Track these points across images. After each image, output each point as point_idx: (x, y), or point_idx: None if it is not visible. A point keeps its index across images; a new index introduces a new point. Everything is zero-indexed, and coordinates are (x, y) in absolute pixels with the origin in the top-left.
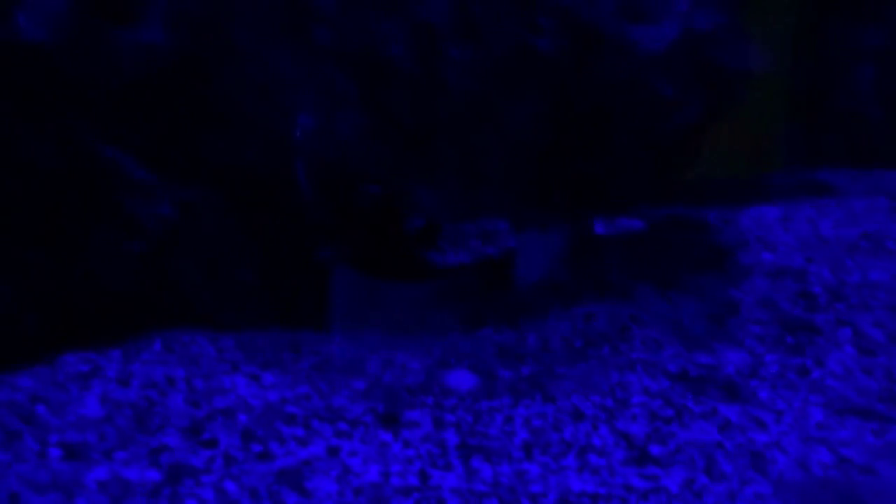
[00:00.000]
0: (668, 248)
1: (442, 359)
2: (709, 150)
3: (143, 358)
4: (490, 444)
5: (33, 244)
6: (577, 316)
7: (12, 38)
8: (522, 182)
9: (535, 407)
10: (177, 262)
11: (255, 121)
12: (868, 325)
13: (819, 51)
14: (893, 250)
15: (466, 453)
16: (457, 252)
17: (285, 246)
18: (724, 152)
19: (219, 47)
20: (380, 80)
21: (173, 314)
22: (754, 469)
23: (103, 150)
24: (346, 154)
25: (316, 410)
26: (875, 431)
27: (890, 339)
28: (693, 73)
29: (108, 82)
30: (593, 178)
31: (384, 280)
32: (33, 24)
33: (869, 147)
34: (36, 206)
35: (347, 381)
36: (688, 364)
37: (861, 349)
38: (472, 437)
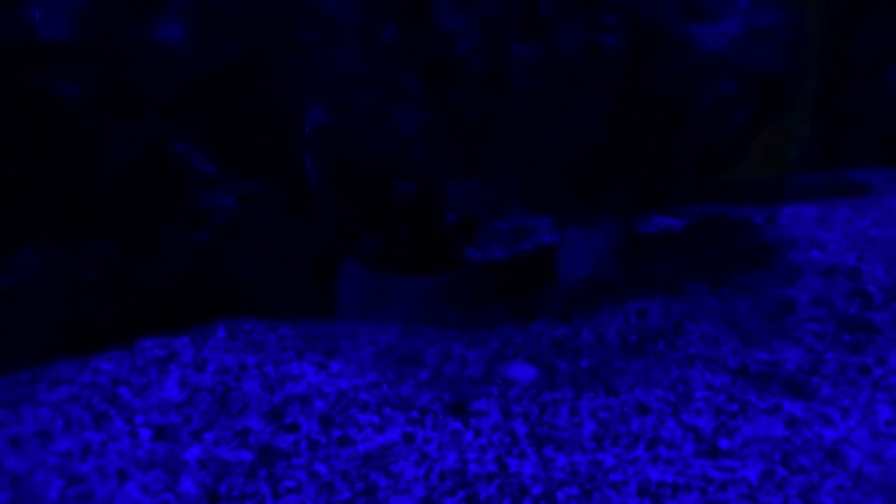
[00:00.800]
0: (713, 246)
1: (499, 351)
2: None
3: (211, 345)
4: (559, 434)
5: (109, 235)
6: (630, 312)
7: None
8: (576, 180)
9: (599, 400)
10: (237, 253)
11: (318, 119)
12: None
13: (847, 52)
14: None
15: (538, 443)
16: (492, 248)
17: (336, 240)
18: (754, 153)
19: (283, 45)
20: (444, 78)
21: (233, 303)
22: (832, 463)
23: (175, 146)
24: (394, 151)
25: (386, 398)
26: None
27: None
28: (752, 71)
29: (170, 79)
30: (645, 178)
31: (415, 274)
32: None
33: None
34: (112, 198)
35: (410, 370)
36: (747, 360)
37: None
38: (540, 427)
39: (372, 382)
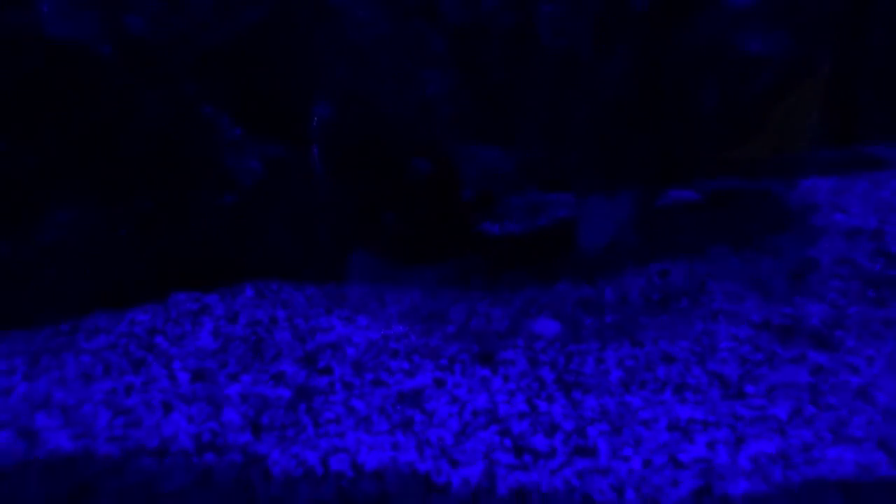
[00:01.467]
0: (734, 213)
1: (523, 309)
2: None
3: (240, 301)
4: (586, 380)
5: (142, 192)
6: (653, 273)
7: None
8: (601, 143)
9: (625, 350)
10: (264, 216)
11: (343, 82)
12: None
13: (863, 28)
14: None
15: (565, 387)
16: (513, 223)
17: (366, 204)
18: (767, 132)
19: (311, 6)
20: (472, 36)
21: (259, 264)
22: (860, 400)
23: (203, 108)
24: (417, 113)
25: (416, 348)
26: None
27: None
28: (779, 33)
29: (197, 43)
30: (669, 143)
31: (432, 258)
32: None
33: None
34: (145, 157)
35: (437, 325)
36: (771, 314)
37: None
38: (567, 374)
39: (401, 334)
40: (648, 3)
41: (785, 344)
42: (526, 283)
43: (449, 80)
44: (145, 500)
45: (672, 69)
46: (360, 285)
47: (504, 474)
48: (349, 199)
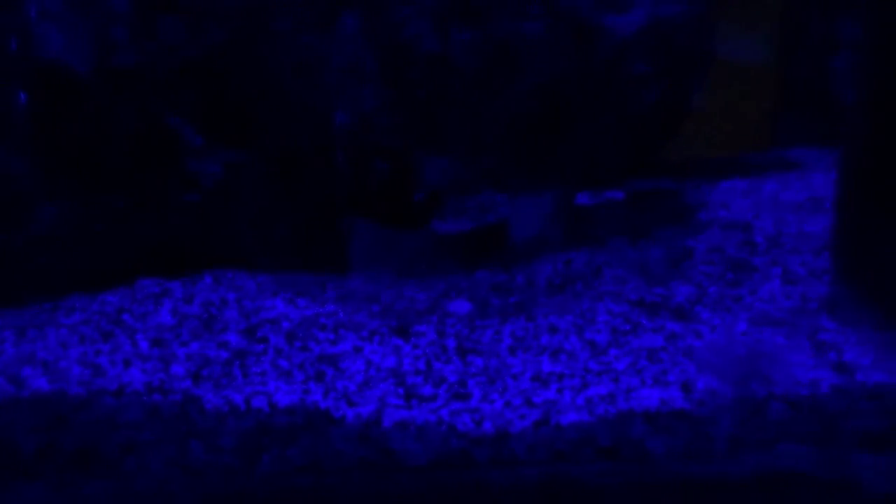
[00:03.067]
0: (642, 210)
1: (444, 292)
2: (697, 131)
3: (199, 287)
4: (481, 347)
5: (117, 192)
6: (559, 261)
7: None
8: (518, 152)
9: (520, 323)
10: (223, 213)
11: (292, 96)
12: (796, 264)
13: (802, 41)
14: (830, 209)
15: (463, 353)
16: (459, 221)
17: (314, 206)
18: (712, 134)
19: (260, 32)
20: (398, 59)
21: (219, 256)
22: (686, 357)
23: (169, 119)
24: (360, 124)
25: (342, 323)
26: (784, 333)
27: (810, 273)
28: (659, 54)
29: (166, 63)
30: (580, 150)
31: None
32: None
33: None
34: (120, 162)
35: (366, 305)
36: (646, 294)
37: (786, 281)
38: (467, 342)
39: (331, 311)
40: (542, 31)
41: (651, 317)
42: (454, 271)
43: (382, 96)
44: (107, 428)
45: (570, 88)
46: (309, 274)
47: (391, 412)
48: (304, 197)
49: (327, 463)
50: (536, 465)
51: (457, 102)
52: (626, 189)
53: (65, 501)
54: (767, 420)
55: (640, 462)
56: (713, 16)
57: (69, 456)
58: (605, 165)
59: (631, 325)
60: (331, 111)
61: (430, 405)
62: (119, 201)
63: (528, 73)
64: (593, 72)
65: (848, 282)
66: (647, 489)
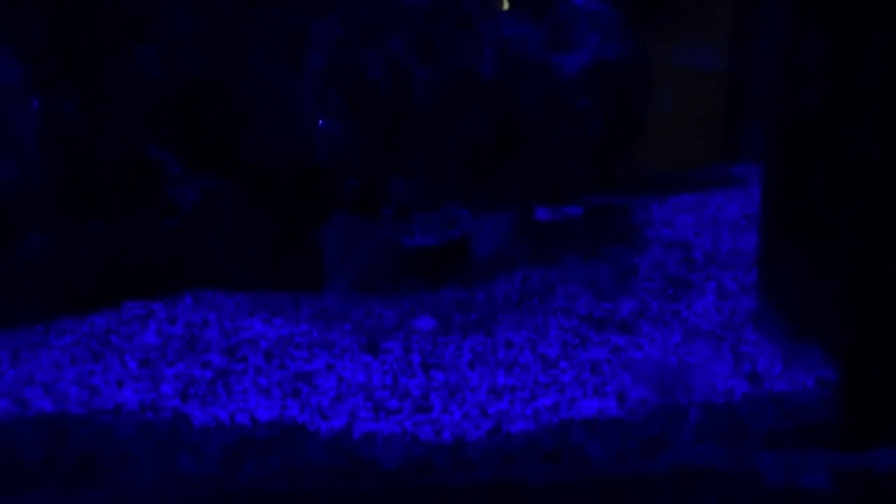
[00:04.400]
0: (595, 227)
1: (410, 309)
2: (651, 148)
3: (180, 307)
4: (444, 362)
5: (101, 219)
6: (517, 278)
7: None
8: (476, 176)
9: (479, 339)
10: (201, 237)
11: (265, 128)
12: (728, 279)
13: (754, 58)
14: None
15: (427, 368)
16: (426, 236)
17: (282, 229)
18: (669, 149)
19: (236, 68)
20: (362, 96)
21: (198, 277)
22: (625, 369)
23: (150, 149)
24: (328, 155)
25: (316, 341)
26: (711, 345)
27: (741, 288)
28: (602, 90)
29: (147, 96)
30: (535, 174)
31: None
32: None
33: None
34: (103, 190)
35: (338, 324)
36: (595, 309)
37: (719, 296)
38: (430, 358)
39: (305, 331)
40: (494, 70)
41: (598, 331)
42: (419, 287)
43: (348, 129)
44: (105, 443)
45: (521, 121)
46: (284, 293)
47: (360, 425)
48: (277, 220)
49: (303, 470)
50: (489, 468)
51: (416, 134)
52: (583, 204)
53: None
54: (687, 424)
55: (578, 463)
56: (649, 55)
57: (70, 467)
58: (561, 184)
59: (580, 338)
60: (300, 141)
61: (396, 417)
62: (101, 228)
63: (482, 109)
64: (542, 106)
65: (768, 296)
66: (582, 487)
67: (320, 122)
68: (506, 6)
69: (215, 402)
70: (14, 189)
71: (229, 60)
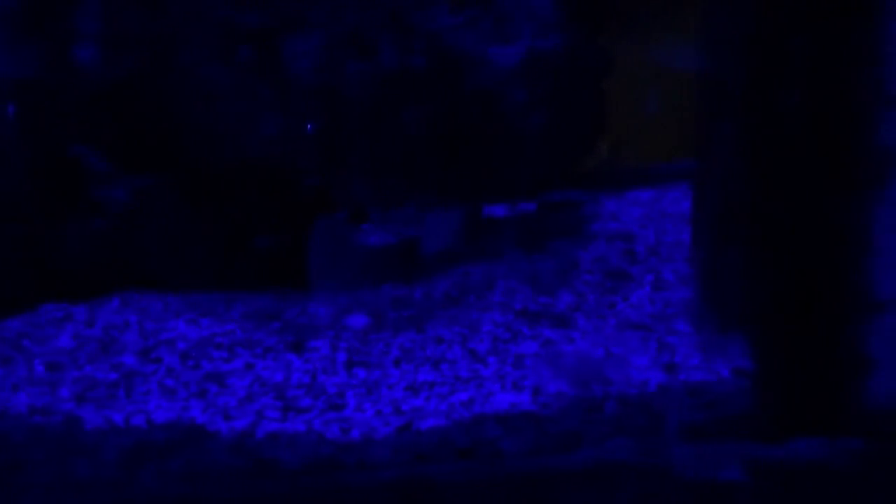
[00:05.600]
0: (543, 223)
1: (346, 307)
2: (620, 144)
3: (105, 310)
4: (370, 360)
5: (20, 222)
6: (458, 274)
7: None
8: (420, 172)
9: (410, 335)
10: (132, 238)
11: (196, 123)
12: (668, 272)
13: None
14: None
15: (350, 366)
16: (384, 234)
17: (226, 229)
18: (638, 145)
19: (164, 64)
20: (291, 90)
21: (130, 279)
22: (549, 364)
23: (73, 148)
24: (262, 149)
25: (239, 341)
26: (639, 337)
27: (679, 280)
28: (539, 82)
29: (73, 93)
30: (481, 170)
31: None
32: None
33: None
34: (21, 191)
35: (267, 323)
36: (531, 304)
37: (655, 288)
38: (356, 355)
39: (230, 330)
40: (427, 63)
41: (531, 325)
42: (359, 285)
43: (280, 124)
44: None
45: (458, 115)
46: (222, 294)
47: (265, 425)
48: (218, 221)
49: (201, 472)
50: (395, 467)
51: (352, 129)
52: (538, 201)
53: None
54: (603, 417)
55: (489, 459)
56: (597, 40)
57: None
58: (513, 180)
59: (512, 333)
60: (234, 137)
61: (305, 416)
62: (20, 230)
63: (417, 102)
64: (479, 99)
65: (700, 287)
66: (489, 484)
67: (308, 126)
68: None
69: (112, 405)
70: None
71: (160, 56)
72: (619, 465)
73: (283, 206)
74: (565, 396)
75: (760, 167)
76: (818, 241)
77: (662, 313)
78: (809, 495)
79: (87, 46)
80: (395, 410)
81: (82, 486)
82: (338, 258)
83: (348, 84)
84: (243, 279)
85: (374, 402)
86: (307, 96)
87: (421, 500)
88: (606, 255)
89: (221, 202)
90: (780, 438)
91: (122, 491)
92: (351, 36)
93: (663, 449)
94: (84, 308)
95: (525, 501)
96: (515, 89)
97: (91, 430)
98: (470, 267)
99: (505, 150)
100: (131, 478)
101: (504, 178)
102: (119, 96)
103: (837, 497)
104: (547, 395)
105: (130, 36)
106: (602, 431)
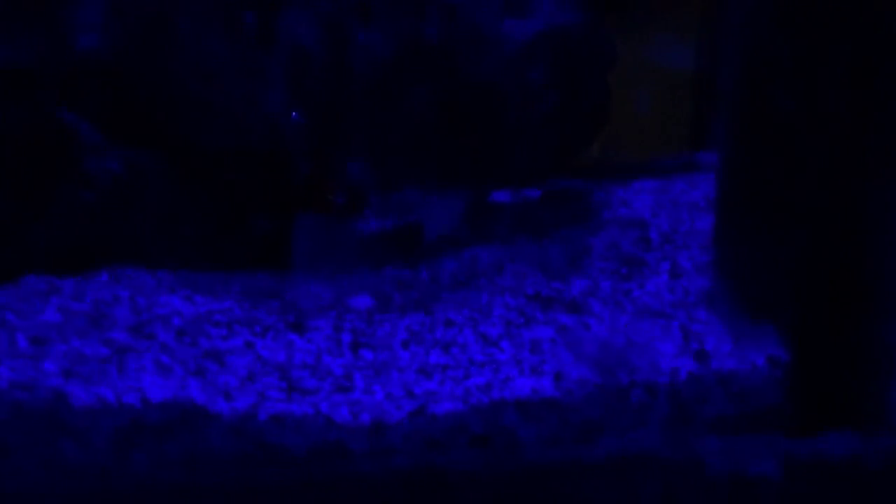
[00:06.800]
0: (551, 209)
1: (349, 289)
2: (621, 137)
3: (93, 284)
4: (375, 341)
5: (8, 192)
6: (465, 258)
7: None
8: (427, 155)
9: (417, 318)
10: (124, 212)
11: (196, 98)
12: (684, 259)
13: (722, 55)
14: None
15: (356, 347)
16: (384, 219)
17: (222, 208)
18: (639, 139)
19: (164, 35)
20: (297, 64)
21: (121, 254)
22: (568, 348)
23: (63, 115)
24: (266, 128)
25: (238, 319)
26: (660, 325)
27: (695, 268)
28: (556, 60)
29: (65, 60)
30: (488, 153)
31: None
32: None
33: None
34: (11, 161)
35: (267, 302)
36: (543, 289)
37: (673, 275)
38: (362, 336)
39: (226, 308)
40: (441, 35)
41: (545, 310)
42: (361, 268)
43: (285, 100)
44: None
45: (469, 94)
46: (216, 272)
47: (269, 406)
48: (216, 199)
49: (201, 457)
50: (410, 454)
51: (358, 106)
52: (543, 189)
53: None
54: (628, 406)
55: (509, 447)
56: (610, 23)
57: None
58: (520, 166)
59: (525, 318)
60: (236, 113)
61: (311, 398)
62: (7, 201)
63: (428, 78)
64: (493, 77)
65: (723, 276)
66: (510, 475)
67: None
68: None
69: (103, 382)
70: None
71: (157, 27)
72: (645, 457)
73: (282, 187)
74: (589, 383)
75: (793, 152)
76: (856, 230)
77: (682, 301)
78: (842, 492)
79: (82, 16)
80: (407, 393)
81: (69, 471)
82: (337, 242)
83: (355, 57)
84: (239, 259)
85: (383, 385)
86: (312, 71)
87: (435, 491)
88: (619, 242)
89: (217, 180)
90: (813, 432)
91: (113, 478)
92: (361, 4)
93: (693, 441)
94: (71, 282)
95: (543, 495)
96: (529, 67)
97: (79, 409)
98: (477, 251)
99: (513, 134)
100: (124, 463)
101: (509, 163)
102: (113, 67)
103: (871, 494)
104: (569, 381)
105: (126, 3)
106: (627, 421)
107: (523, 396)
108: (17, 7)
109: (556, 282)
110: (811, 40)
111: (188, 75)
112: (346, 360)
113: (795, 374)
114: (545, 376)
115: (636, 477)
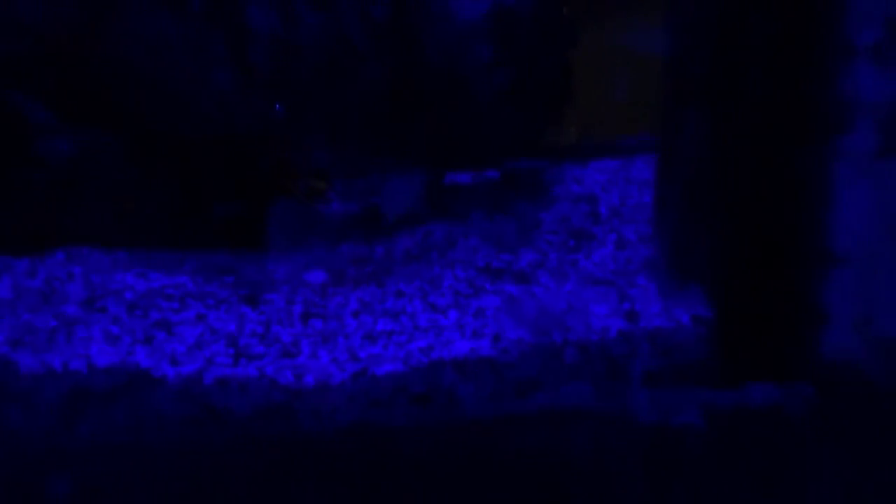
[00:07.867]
0: (507, 188)
1: (304, 265)
2: (588, 119)
3: (48, 263)
4: (327, 312)
5: None
6: (419, 233)
7: None
8: (383, 135)
9: (369, 290)
10: (79, 193)
11: (144, 75)
12: (630, 231)
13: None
14: None
15: (307, 317)
16: (347, 203)
17: (178, 188)
18: (615, 120)
19: (110, 11)
20: (243, 41)
21: (77, 235)
22: (509, 312)
23: (12, 96)
24: (215, 107)
25: (190, 293)
26: (600, 290)
27: (640, 239)
28: (504, 39)
29: (12, 39)
30: (444, 133)
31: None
32: None
33: None
34: None
35: (220, 277)
36: (493, 261)
37: (618, 247)
38: (314, 308)
39: (180, 283)
40: (387, 15)
41: (493, 281)
42: (318, 245)
43: (233, 79)
44: None
45: (420, 73)
46: (173, 252)
47: (214, 371)
48: (172, 179)
49: (146, 418)
50: (351, 413)
51: (310, 88)
52: (503, 169)
53: None
54: (562, 364)
55: (448, 405)
56: (576, 7)
57: None
58: (479, 146)
59: (474, 288)
60: (186, 91)
61: (257, 363)
62: None
63: (378, 57)
64: (442, 55)
65: (660, 242)
66: (448, 429)
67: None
68: None
69: (51, 350)
70: None
71: (106, 3)
72: (577, 410)
73: (240, 168)
74: (525, 343)
75: (721, 123)
76: (777, 195)
77: (625, 269)
78: (761, 437)
79: None
80: (352, 357)
81: (15, 434)
82: (297, 223)
83: (304, 36)
84: (198, 240)
85: (329, 350)
86: (262, 52)
87: (375, 447)
88: (569, 216)
89: (173, 159)
90: (735, 384)
91: (59, 439)
92: None
93: (621, 394)
94: (26, 261)
95: (480, 446)
96: (479, 45)
97: (26, 374)
98: (431, 226)
99: (468, 114)
100: (70, 425)
101: (468, 143)
102: (60, 46)
103: (788, 438)
104: (507, 341)
105: None
106: (561, 377)
107: (461, 356)
108: None
109: (505, 254)
110: (730, 8)
111: (137, 54)
112: (295, 330)
113: (719, 331)
114: (484, 338)
115: (569, 429)
